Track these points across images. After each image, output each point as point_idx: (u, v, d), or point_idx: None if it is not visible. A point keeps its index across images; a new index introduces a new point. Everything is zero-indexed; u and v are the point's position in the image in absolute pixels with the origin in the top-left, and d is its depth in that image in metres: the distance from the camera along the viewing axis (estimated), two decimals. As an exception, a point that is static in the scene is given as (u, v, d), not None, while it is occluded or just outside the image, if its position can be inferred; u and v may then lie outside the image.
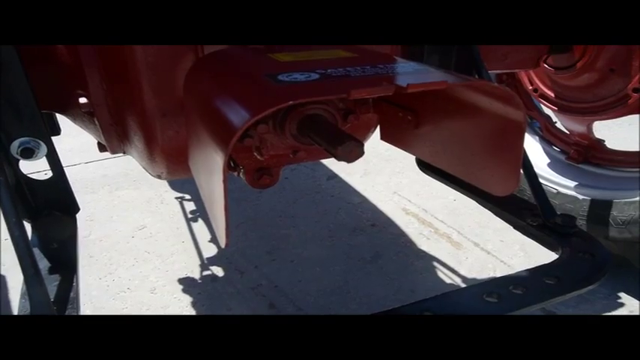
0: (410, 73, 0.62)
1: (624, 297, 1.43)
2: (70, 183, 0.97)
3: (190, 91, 0.69)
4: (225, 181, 0.49)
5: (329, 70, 0.60)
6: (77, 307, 0.74)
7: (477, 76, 1.05)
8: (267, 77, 0.57)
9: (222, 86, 0.60)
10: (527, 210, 1.01)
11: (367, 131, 1.00)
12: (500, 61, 1.29)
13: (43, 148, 0.86)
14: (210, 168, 0.54)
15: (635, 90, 1.35)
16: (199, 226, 1.87)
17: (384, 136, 0.86)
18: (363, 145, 0.56)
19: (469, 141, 0.67)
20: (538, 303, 0.72)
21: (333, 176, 2.20)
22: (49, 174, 0.89)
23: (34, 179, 0.88)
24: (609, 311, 1.38)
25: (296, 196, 2.05)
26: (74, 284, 0.78)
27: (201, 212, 1.96)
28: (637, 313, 1.38)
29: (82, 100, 0.83)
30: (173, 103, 0.79)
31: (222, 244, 0.53)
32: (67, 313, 0.72)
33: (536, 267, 0.81)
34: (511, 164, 0.64)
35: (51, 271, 0.83)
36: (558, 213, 1.01)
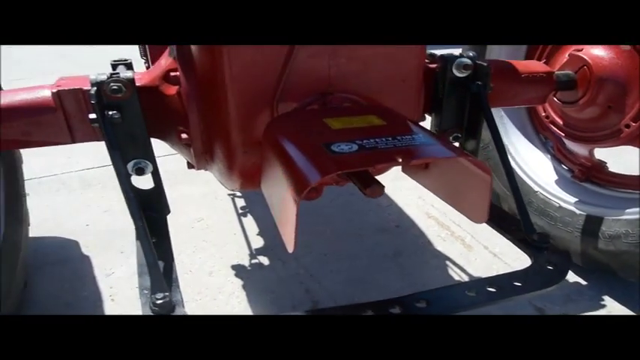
0: (420, 146, 0.89)
1: (607, 299, 1.67)
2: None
3: (269, 141, 0.98)
4: (297, 214, 0.78)
5: (364, 142, 0.88)
6: (178, 285, 1.05)
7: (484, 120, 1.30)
8: (325, 147, 0.86)
9: (294, 145, 0.90)
10: (514, 225, 1.27)
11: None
12: (509, 100, 1.52)
13: (150, 167, 1.17)
14: (285, 201, 0.83)
15: (627, 126, 1.56)
16: (248, 221, 2.18)
17: (404, 170, 1.15)
18: (384, 186, 0.85)
19: (455, 184, 0.95)
20: (504, 299, 0.99)
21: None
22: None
23: (141, 189, 1.20)
24: (591, 311, 1.62)
25: (332, 197, 2.33)
26: (174, 268, 1.09)
27: (250, 208, 2.27)
28: (615, 314, 1.61)
29: (184, 135, 1.15)
30: (253, 144, 1.09)
31: (290, 250, 0.83)
32: (172, 289, 1.03)
33: (510, 272, 1.08)
34: (481, 206, 0.91)
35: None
36: (554, 223, 1.25)
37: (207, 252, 1.98)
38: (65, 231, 2.14)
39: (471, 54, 1.30)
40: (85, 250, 2.02)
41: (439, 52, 1.34)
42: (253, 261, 1.93)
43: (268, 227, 2.13)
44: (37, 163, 2.63)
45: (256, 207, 2.28)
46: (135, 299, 1.73)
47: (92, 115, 1.06)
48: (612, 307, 1.63)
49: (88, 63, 5.27)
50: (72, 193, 2.48)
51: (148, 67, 1.79)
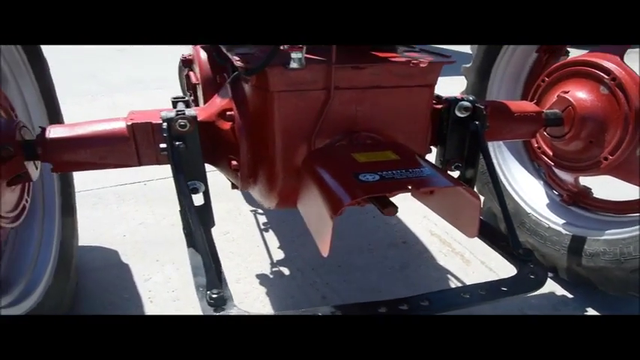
0: (427, 177, 1.15)
1: (590, 310, 1.89)
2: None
3: (308, 170, 1.23)
4: (333, 230, 1.03)
5: (384, 173, 1.13)
6: (227, 284, 1.28)
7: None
8: (354, 176, 1.11)
9: (329, 174, 1.15)
10: (504, 241, 1.51)
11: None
12: (504, 135, 1.78)
13: (203, 188, 1.42)
14: (322, 217, 1.08)
15: (606, 158, 1.79)
16: (270, 235, 2.42)
17: (413, 195, 1.39)
18: (397, 207, 1.09)
19: (453, 206, 1.19)
20: (491, 300, 1.23)
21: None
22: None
23: (195, 206, 1.44)
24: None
25: (345, 215, 2.57)
26: (222, 272, 1.33)
27: (271, 224, 2.52)
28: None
29: (234, 162, 1.40)
30: (292, 171, 1.34)
31: (325, 255, 1.08)
32: (222, 285, 1.26)
33: (498, 279, 1.31)
34: (473, 223, 1.16)
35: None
36: (543, 242, 1.50)
37: (234, 262, 2.22)
38: (105, 241, 2.38)
39: (470, 98, 1.55)
40: (123, 259, 2.26)
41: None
42: (275, 270, 2.17)
43: (288, 241, 2.37)
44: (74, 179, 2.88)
45: (277, 223, 2.53)
46: (170, 301, 1.97)
47: (162, 145, 1.32)
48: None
49: (115, 83, 5.59)
50: (108, 207, 2.73)
51: (192, 100, 2.04)
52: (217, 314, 1.19)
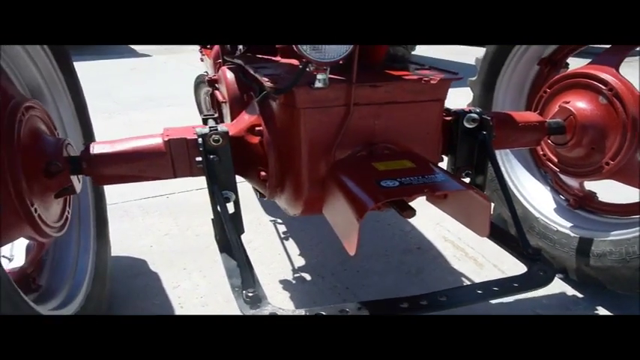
0: (440, 182, 1.27)
1: (600, 309, 1.98)
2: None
3: (334, 178, 1.35)
4: (359, 231, 1.15)
5: (402, 179, 1.26)
6: (260, 284, 1.40)
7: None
8: (376, 182, 1.24)
9: (353, 181, 1.27)
10: (515, 242, 1.62)
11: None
12: (510, 143, 1.90)
13: (233, 197, 1.55)
14: (349, 220, 1.20)
15: (607, 163, 1.89)
16: (290, 244, 2.54)
17: (428, 199, 1.51)
18: (415, 211, 1.21)
19: (465, 208, 1.31)
20: (504, 295, 1.34)
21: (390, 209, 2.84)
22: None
23: (228, 213, 1.57)
24: (584, 317, 1.94)
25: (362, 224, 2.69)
26: (255, 274, 1.44)
27: (290, 233, 2.64)
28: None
29: (262, 173, 1.53)
30: (316, 181, 1.47)
31: (352, 254, 1.19)
32: (256, 285, 1.38)
33: (510, 276, 1.42)
34: (484, 224, 1.28)
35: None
36: (553, 245, 1.62)
37: (257, 269, 2.27)
38: (133, 251, 2.51)
39: (477, 110, 1.67)
40: (152, 267, 2.38)
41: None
42: (296, 276, 2.28)
43: (308, 249, 2.49)
44: (103, 193, 3.03)
45: (296, 232, 2.65)
46: (200, 306, 2.09)
47: (198, 158, 1.45)
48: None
49: (129, 101, 5.78)
50: (134, 220, 2.86)
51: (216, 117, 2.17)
52: (253, 313, 1.31)
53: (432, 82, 1.46)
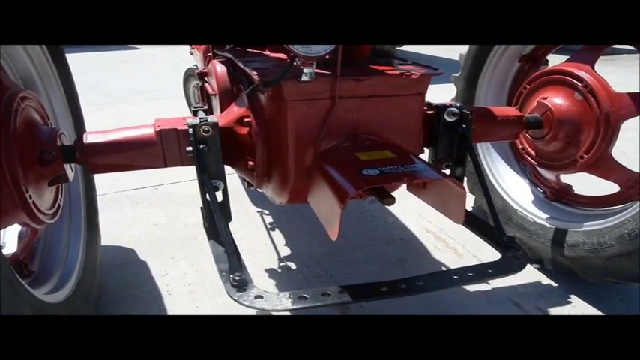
0: (419, 171, 1.34)
1: (573, 297, 2.07)
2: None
3: (318, 168, 1.41)
4: (341, 217, 1.21)
5: (383, 168, 1.32)
6: (246, 269, 1.46)
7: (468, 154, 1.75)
8: (358, 171, 1.30)
9: (336, 170, 1.33)
10: (490, 231, 1.70)
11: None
12: (489, 137, 1.97)
13: (222, 186, 1.60)
14: (331, 207, 1.26)
15: (581, 157, 1.98)
16: (276, 234, 2.60)
17: (408, 188, 1.58)
18: (395, 198, 1.28)
19: (442, 196, 1.39)
20: (479, 280, 1.41)
21: (374, 200, 2.90)
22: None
23: (217, 201, 1.62)
24: (560, 305, 2.03)
25: (346, 215, 2.75)
26: (241, 259, 1.50)
27: (276, 224, 2.69)
28: (579, 309, 2.01)
29: (250, 163, 1.59)
30: (302, 170, 1.53)
31: (334, 239, 1.26)
32: (242, 269, 1.44)
33: (485, 262, 1.50)
34: (459, 211, 1.35)
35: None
36: (529, 236, 1.71)
37: (244, 257, 2.33)
38: (122, 241, 2.55)
39: (457, 104, 1.74)
40: (141, 256, 2.43)
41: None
42: (282, 265, 2.35)
43: (293, 239, 2.55)
44: (92, 183, 3.06)
45: (282, 223, 2.71)
46: (187, 294, 2.14)
47: (189, 148, 1.50)
48: (577, 303, 2.04)
49: (118, 94, 5.78)
50: (122, 210, 2.90)
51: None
52: (239, 296, 1.37)
53: (413, 76, 1.52)
